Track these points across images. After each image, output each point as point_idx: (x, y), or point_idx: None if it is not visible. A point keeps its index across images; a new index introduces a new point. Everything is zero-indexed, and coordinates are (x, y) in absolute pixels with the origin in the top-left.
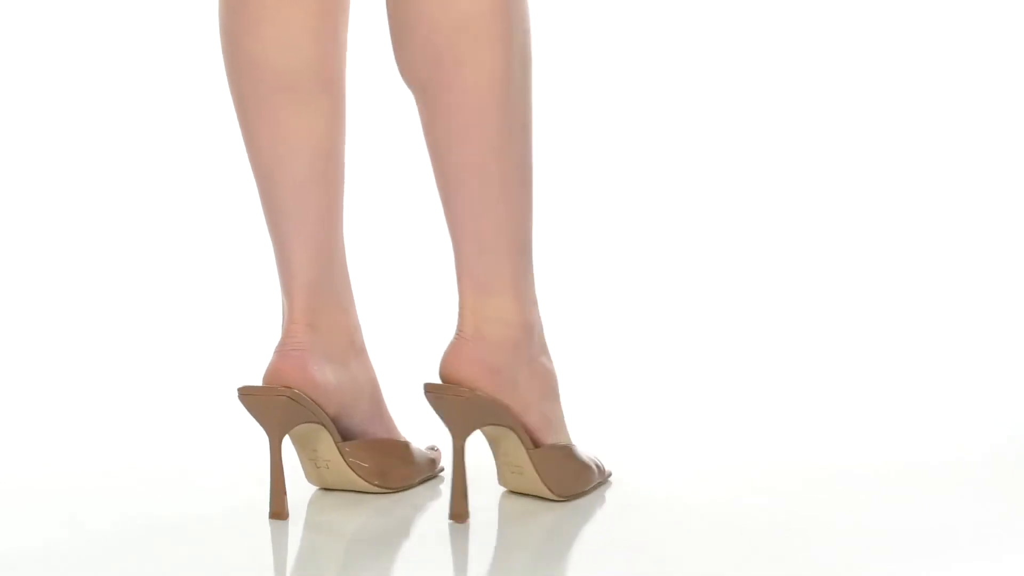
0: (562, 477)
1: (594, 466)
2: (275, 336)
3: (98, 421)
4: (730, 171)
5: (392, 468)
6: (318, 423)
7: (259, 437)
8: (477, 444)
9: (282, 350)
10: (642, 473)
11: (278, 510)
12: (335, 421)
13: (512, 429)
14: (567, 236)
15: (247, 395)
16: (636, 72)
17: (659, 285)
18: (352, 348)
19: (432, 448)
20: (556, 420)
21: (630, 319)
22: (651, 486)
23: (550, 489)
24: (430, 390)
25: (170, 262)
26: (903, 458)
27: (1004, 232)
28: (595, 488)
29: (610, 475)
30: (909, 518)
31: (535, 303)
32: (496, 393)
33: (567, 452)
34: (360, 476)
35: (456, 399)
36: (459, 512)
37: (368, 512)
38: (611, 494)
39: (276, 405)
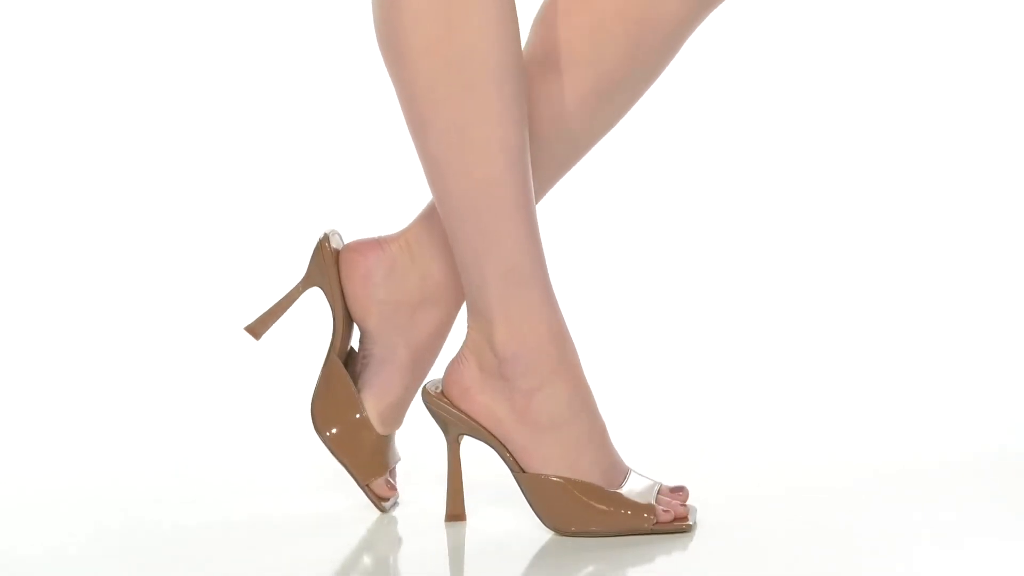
0: (554, 510)
1: (626, 512)
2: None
3: (100, 423)
4: (730, 173)
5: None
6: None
7: (257, 442)
8: (472, 447)
9: None
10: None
11: (456, 511)
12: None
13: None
14: (568, 238)
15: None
16: None
17: (656, 286)
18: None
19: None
20: (555, 454)
21: (628, 320)
22: None
23: (538, 516)
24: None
25: (178, 263)
26: (903, 459)
27: (1004, 232)
28: (630, 534)
29: (689, 527)
30: (909, 519)
31: (549, 337)
32: (468, 411)
33: (561, 487)
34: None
35: (435, 408)
36: (455, 513)
37: (364, 513)
38: None
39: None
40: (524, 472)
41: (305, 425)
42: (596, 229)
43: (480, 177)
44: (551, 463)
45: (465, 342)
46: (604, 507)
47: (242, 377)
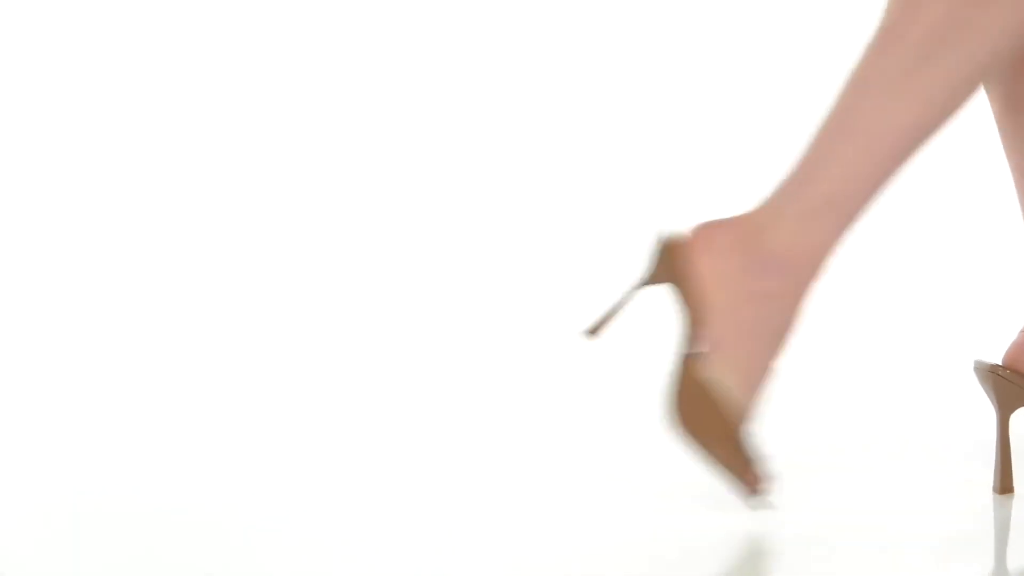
0: (696, 414)
1: (744, 460)
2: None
3: (101, 422)
4: (733, 176)
5: None
6: None
7: (261, 443)
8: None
9: None
10: (642, 473)
11: (1006, 485)
12: None
13: None
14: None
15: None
16: (646, 73)
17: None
18: None
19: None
20: (740, 366)
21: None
22: (657, 491)
23: (671, 410)
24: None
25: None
26: (905, 458)
27: (1005, 232)
28: (727, 478)
29: (764, 492)
30: (912, 520)
31: (809, 266)
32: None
33: (720, 403)
34: None
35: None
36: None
37: (373, 513)
38: (619, 489)
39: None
40: (695, 365)
41: (306, 425)
42: (599, 230)
43: (902, 111)
44: (729, 373)
45: (741, 217)
46: (733, 447)
47: (245, 374)
